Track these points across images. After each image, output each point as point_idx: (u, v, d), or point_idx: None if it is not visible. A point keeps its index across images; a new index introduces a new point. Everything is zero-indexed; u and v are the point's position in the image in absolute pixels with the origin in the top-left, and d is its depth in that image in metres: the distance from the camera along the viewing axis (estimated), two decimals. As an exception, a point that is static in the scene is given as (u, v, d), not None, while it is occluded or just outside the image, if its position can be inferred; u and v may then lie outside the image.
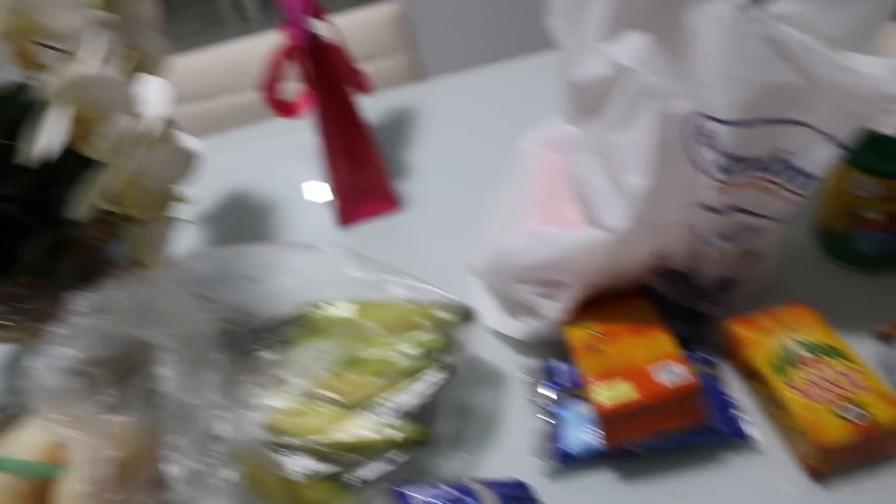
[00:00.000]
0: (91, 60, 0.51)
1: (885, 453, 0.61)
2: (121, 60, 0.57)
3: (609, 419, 0.60)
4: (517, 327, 0.73)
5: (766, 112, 0.57)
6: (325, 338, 0.66)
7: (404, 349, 0.63)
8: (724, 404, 0.65)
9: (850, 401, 0.60)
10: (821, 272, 0.80)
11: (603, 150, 0.62)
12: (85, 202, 0.53)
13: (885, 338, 0.67)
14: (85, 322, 0.57)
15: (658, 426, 0.61)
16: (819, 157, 0.60)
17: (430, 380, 0.63)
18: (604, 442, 0.62)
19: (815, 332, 0.66)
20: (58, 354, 0.57)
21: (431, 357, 0.63)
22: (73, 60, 0.52)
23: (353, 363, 0.64)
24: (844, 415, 0.59)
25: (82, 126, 0.52)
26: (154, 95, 0.56)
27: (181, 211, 0.63)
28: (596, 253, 0.63)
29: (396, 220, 0.95)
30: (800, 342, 0.65)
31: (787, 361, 0.64)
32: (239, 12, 3.80)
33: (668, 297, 0.72)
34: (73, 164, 0.56)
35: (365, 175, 0.93)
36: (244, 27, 3.79)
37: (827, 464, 0.59)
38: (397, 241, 0.92)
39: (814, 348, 0.65)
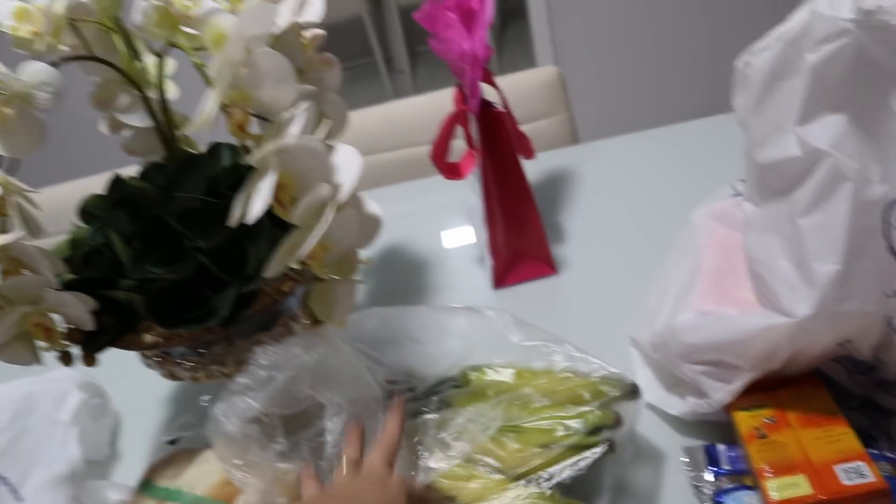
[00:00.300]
0: (295, 130, 0.55)
1: None
2: (316, 127, 0.60)
3: (784, 516, 0.57)
4: (679, 405, 0.71)
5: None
6: (486, 402, 0.67)
7: (570, 423, 0.62)
8: (913, 511, 0.60)
9: None
10: None
11: (788, 232, 0.60)
12: (277, 262, 0.56)
13: None
14: (266, 376, 0.60)
15: (839, 529, 0.57)
16: None
17: (592, 456, 0.62)
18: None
19: None
20: (240, 403, 0.60)
21: (596, 433, 0.62)
22: (279, 130, 0.56)
23: (516, 431, 0.64)
24: None
25: (281, 190, 0.55)
26: (344, 161, 0.59)
27: (361, 272, 0.66)
28: (774, 338, 0.61)
29: (552, 283, 0.95)
30: None
31: None
32: (390, 65, 3.95)
33: (848, 387, 0.68)
34: (264, 224, 0.60)
35: (525, 238, 0.94)
36: (395, 81, 3.94)
37: None
38: (554, 305, 0.92)
39: None
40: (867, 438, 0.65)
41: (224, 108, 0.54)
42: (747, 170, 0.66)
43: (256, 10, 0.59)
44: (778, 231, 0.61)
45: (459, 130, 0.94)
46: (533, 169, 1.12)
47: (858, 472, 0.57)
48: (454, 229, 1.09)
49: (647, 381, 0.75)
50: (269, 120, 0.58)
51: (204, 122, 0.54)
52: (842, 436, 0.60)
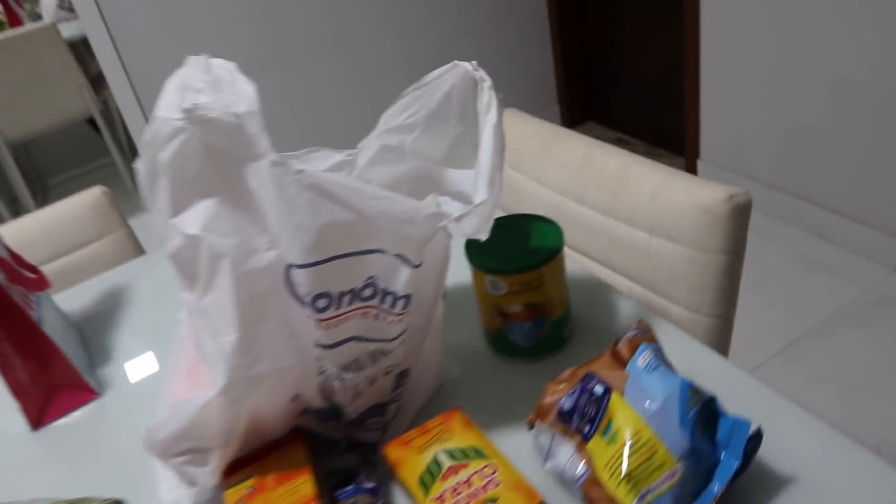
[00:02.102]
0: None
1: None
2: None
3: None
4: (189, 498, 0.71)
5: (335, 249, 0.61)
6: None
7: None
8: (384, 531, 0.65)
9: (486, 499, 0.63)
10: (491, 368, 0.85)
11: (202, 313, 0.63)
12: None
13: (531, 425, 0.70)
14: None
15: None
16: (401, 277, 0.64)
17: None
18: None
19: (464, 437, 0.69)
20: None
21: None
22: None
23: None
24: (481, 515, 0.62)
25: None
26: None
27: None
28: (217, 413, 0.64)
29: (97, 406, 0.92)
30: (448, 451, 0.68)
31: (433, 475, 0.66)
32: (14, 207, 3.71)
33: (330, 434, 0.73)
34: None
35: (52, 371, 0.90)
36: (12, 208, 3.70)
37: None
38: (98, 428, 0.89)
39: (459, 454, 0.68)
40: (356, 475, 0.71)
41: None
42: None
43: None
44: (201, 314, 0.65)
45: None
46: (91, 291, 1.11)
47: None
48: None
49: (169, 483, 0.75)
50: None
51: None
52: (302, 485, 0.65)
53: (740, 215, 0.90)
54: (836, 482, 0.64)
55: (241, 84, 0.60)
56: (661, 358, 0.68)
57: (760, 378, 1.80)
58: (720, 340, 0.96)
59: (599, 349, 0.76)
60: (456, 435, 0.70)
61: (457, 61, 0.70)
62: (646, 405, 0.63)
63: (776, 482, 0.64)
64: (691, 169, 2.62)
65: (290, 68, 2.58)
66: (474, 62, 0.69)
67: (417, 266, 0.64)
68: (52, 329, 0.93)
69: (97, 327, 1.07)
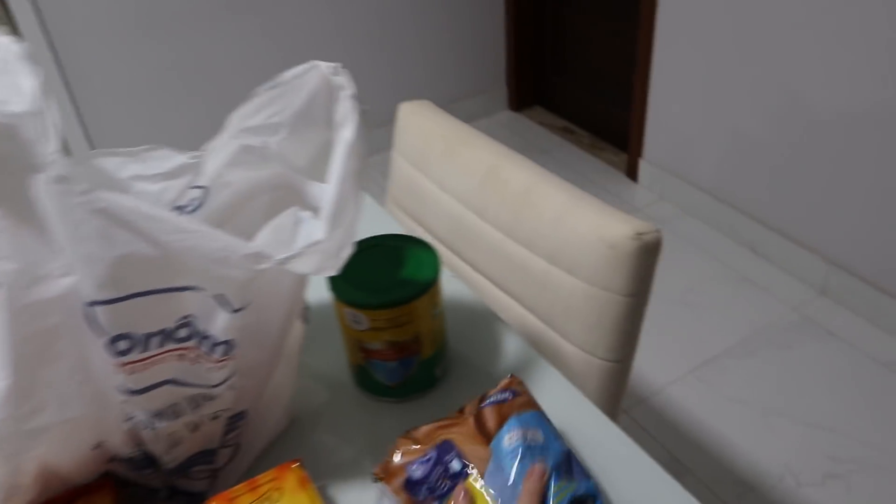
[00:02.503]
0: None
1: None
2: None
3: None
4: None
5: (136, 285, 0.51)
6: None
7: None
8: None
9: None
10: (355, 402, 0.76)
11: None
12: None
13: (377, 479, 0.62)
14: None
15: None
16: (219, 321, 0.54)
17: None
18: None
19: (294, 500, 0.60)
20: None
21: None
22: None
23: None
24: None
25: None
26: None
27: None
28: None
29: None
30: (274, 514, 0.59)
31: (249, 543, 0.57)
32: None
33: (147, 482, 0.63)
34: None
35: None
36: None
37: None
38: None
39: (281, 519, 0.59)
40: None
41: None
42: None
43: None
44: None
45: None
46: None
47: None
48: None
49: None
50: None
51: None
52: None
53: (647, 254, 0.82)
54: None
55: (23, 75, 0.48)
56: (528, 438, 0.59)
57: (673, 394, 1.76)
58: (615, 384, 0.88)
59: (475, 393, 0.68)
60: (286, 496, 0.61)
61: (316, 61, 0.60)
62: (507, 497, 0.55)
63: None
64: (633, 166, 2.55)
65: (182, 33, 2.26)
66: (336, 65, 0.59)
67: (238, 310, 0.54)
68: None
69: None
